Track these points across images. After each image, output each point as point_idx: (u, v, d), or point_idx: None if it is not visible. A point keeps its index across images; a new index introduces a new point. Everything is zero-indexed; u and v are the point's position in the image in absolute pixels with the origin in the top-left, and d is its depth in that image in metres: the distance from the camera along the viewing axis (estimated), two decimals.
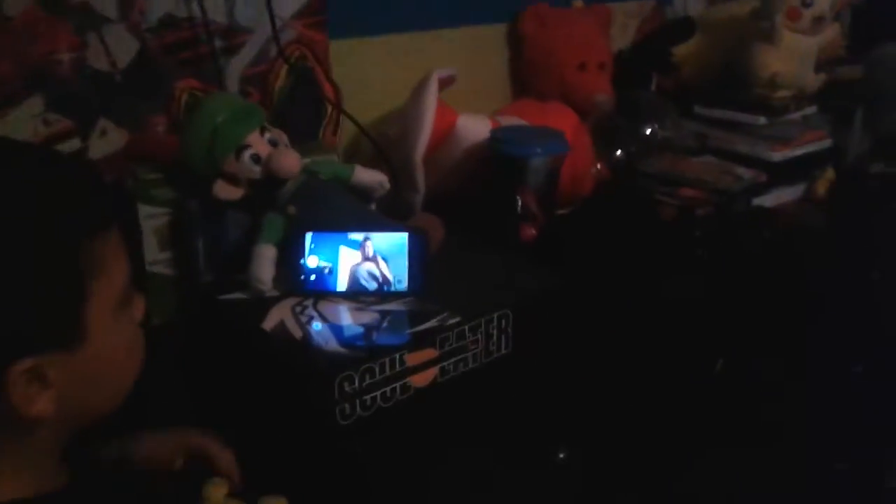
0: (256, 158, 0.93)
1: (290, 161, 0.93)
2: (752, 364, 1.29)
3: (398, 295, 0.94)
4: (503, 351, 0.94)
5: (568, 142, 1.17)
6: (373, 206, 1.10)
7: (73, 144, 1.08)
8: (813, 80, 1.59)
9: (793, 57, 1.54)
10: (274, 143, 0.94)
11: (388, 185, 1.07)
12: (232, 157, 0.93)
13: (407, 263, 0.95)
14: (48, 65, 1.04)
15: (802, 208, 1.47)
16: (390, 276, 0.94)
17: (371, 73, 1.34)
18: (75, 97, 1.07)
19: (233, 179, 0.94)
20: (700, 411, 1.21)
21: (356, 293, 0.94)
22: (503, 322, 0.93)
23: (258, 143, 0.93)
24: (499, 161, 1.16)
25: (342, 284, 0.94)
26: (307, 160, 1.00)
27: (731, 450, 1.27)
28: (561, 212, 1.25)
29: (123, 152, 1.12)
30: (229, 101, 0.95)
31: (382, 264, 0.94)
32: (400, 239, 0.95)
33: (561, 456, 1.03)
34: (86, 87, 1.08)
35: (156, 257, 1.03)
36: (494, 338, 0.93)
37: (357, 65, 1.31)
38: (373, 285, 0.94)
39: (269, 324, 0.88)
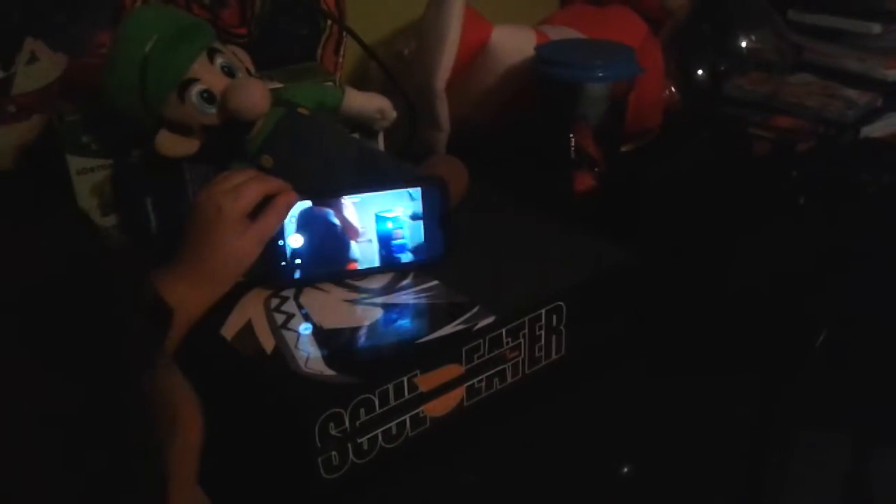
0: (208, 96, 0.67)
1: (254, 95, 0.66)
2: (861, 342, 1.04)
3: (412, 268, 0.70)
4: (553, 356, 0.69)
5: (637, 61, 0.89)
6: (380, 142, 0.84)
7: None
8: None
9: None
10: (230, 72, 0.68)
11: (392, 114, 0.82)
12: (174, 97, 0.66)
13: (422, 225, 0.70)
14: None
15: None
16: (400, 245, 0.70)
17: None
18: None
19: (181, 128, 0.68)
20: (795, 415, 0.97)
21: (354, 272, 0.70)
22: (554, 318, 0.68)
23: (208, 73, 0.67)
24: (546, 88, 0.89)
25: (336, 263, 0.69)
26: (279, 86, 0.74)
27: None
28: (623, 149, 0.98)
29: (60, 84, 0.86)
30: (160, 18, 0.68)
31: (390, 229, 0.70)
32: (410, 194, 0.69)
33: (625, 470, 0.82)
34: None
35: (99, 224, 0.79)
36: (542, 340, 0.68)
37: None
38: (377, 259, 0.70)
39: (230, 328, 0.64)
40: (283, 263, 0.68)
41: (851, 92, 1.13)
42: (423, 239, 0.70)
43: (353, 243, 0.69)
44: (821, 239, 0.96)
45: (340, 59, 1.01)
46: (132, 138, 0.75)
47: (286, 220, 0.67)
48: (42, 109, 0.86)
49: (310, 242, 0.69)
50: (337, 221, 0.69)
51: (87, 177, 0.77)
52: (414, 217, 0.70)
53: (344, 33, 0.98)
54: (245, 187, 0.66)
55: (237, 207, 0.65)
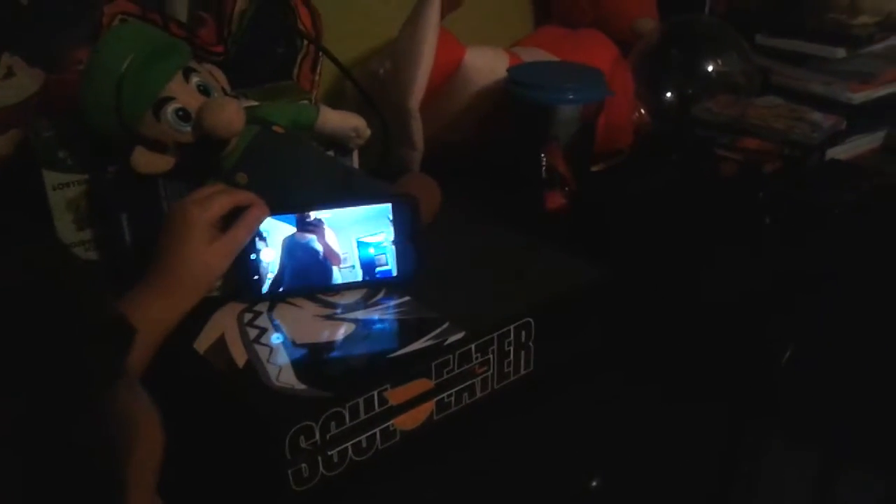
0: (184, 114, 0.68)
1: (228, 114, 0.67)
2: (827, 360, 1.06)
3: (382, 285, 0.72)
4: (522, 371, 0.71)
5: (607, 83, 0.91)
6: (354, 160, 0.85)
7: None
8: None
9: None
10: (205, 91, 0.69)
11: (366, 132, 0.83)
12: (149, 115, 0.67)
13: (393, 243, 0.71)
14: None
15: (882, 161, 1.21)
16: (372, 261, 0.71)
17: None
18: None
19: (156, 145, 0.69)
20: (764, 432, 0.99)
21: (325, 288, 0.71)
22: (523, 334, 0.69)
23: (183, 92, 0.68)
24: (518, 109, 0.91)
25: (311, 279, 0.70)
26: (254, 104, 0.75)
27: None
28: (593, 169, 1.00)
29: (38, 99, 0.87)
30: (136, 37, 0.69)
31: (372, 255, 0.71)
32: (381, 210, 0.70)
33: (594, 484, 0.83)
34: None
35: (74, 239, 0.80)
36: (511, 356, 0.69)
37: None
38: (349, 275, 0.71)
39: (204, 341, 0.65)
40: (256, 277, 0.69)
41: (817, 115, 1.16)
42: (395, 255, 0.72)
43: (335, 269, 0.71)
44: (786, 259, 0.98)
45: (317, 78, 1.02)
46: (108, 154, 0.75)
47: (268, 239, 0.68)
48: (19, 124, 0.86)
49: (292, 268, 0.70)
50: (319, 248, 0.70)
51: (63, 192, 0.78)
52: (395, 242, 0.71)
53: (320, 52, 0.99)
54: (215, 197, 0.67)
55: (205, 216, 0.66)
